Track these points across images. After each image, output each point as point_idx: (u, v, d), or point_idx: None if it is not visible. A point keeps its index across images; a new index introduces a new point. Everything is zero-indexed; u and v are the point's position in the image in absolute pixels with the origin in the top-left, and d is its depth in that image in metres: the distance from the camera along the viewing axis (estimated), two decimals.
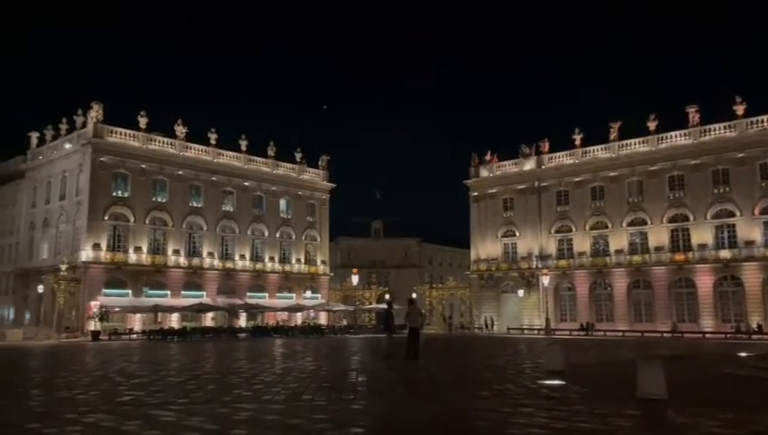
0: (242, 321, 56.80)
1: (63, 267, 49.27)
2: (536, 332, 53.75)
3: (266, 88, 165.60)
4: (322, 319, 62.57)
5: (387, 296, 57.83)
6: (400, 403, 10.61)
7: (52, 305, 51.38)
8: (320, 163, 70.76)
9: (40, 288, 53.20)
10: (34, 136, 61.52)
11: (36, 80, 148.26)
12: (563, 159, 61.07)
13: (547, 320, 53.05)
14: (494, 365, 18.92)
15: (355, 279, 63.87)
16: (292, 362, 19.72)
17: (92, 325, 46.95)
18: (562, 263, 59.08)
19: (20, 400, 10.89)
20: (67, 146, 56.12)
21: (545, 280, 54.25)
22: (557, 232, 60.36)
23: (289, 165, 67.71)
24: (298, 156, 68.55)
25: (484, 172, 66.38)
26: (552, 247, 60.30)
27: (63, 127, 57.62)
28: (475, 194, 66.34)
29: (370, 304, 64.43)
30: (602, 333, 50.77)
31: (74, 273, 50.36)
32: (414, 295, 50.34)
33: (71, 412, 8.99)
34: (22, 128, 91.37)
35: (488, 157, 66.47)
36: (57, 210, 56.40)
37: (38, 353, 28.90)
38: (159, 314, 52.40)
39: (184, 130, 58.37)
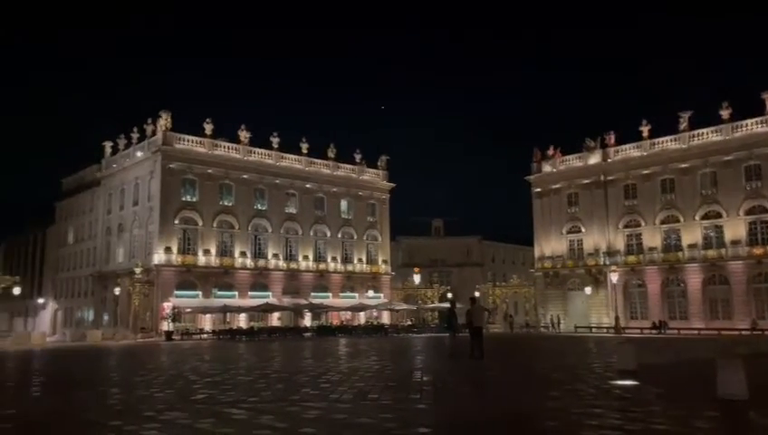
0: (307, 320, 57.77)
1: (138, 270, 51.52)
2: (605, 330, 52.13)
3: (325, 89, 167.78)
4: (385, 318, 62.86)
5: (449, 295, 57.48)
6: (467, 403, 10.50)
7: (127, 307, 53.81)
8: (379, 163, 71.08)
9: (116, 290, 55.78)
10: (108, 145, 64.55)
11: (110, 90, 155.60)
12: (630, 151, 59.02)
13: (616, 318, 51.37)
14: (563, 365, 18.47)
15: (417, 278, 63.84)
16: (356, 362, 19.88)
17: (166, 326, 48.80)
18: (631, 259, 57.12)
19: (101, 398, 11.44)
20: (138, 154, 58.59)
21: (614, 277, 52.58)
22: (625, 227, 58.39)
23: (349, 166, 68.30)
24: (357, 157, 69.07)
25: (546, 168, 64.96)
26: (620, 243, 58.40)
27: (135, 136, 60.24)
28: (538, 190, 65.03)
29: (433, 302, 64.21)
30: (676, 331, 48.72)
31: (148, 275, 52.52)
32: (477, 294, 49.87)
33: (148, 410, 9.36)
34: (94, 138, 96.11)
35: (551, 152, 64.99)
36: (131, 216, 58.97)
37: (116, 353, 30.28)
38: (228, 314, 53.92)
39: (247, 135, 59.89)
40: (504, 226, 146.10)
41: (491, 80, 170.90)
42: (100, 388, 13.39)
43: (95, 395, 11.85)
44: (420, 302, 65.30)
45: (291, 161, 63.43)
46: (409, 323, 61.61)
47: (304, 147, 63.83)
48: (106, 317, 59.51)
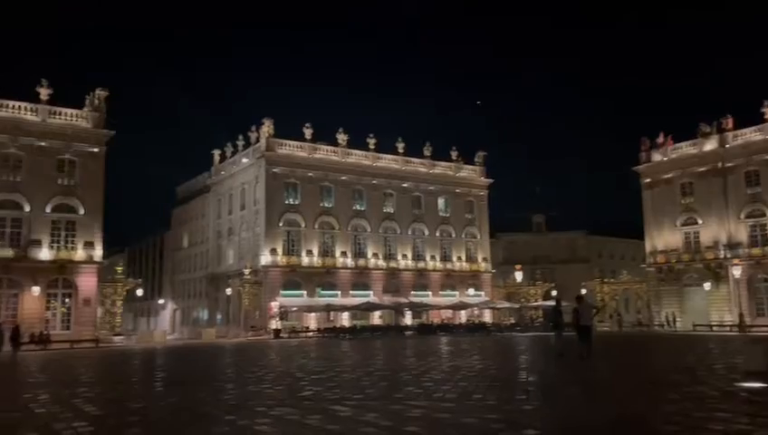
0: (407, 319, 58.08)
1: (246, 271, 54.01)
2: (728, 329, 48.37)
3: (418, 89, 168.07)
4: (487, 317, 61.95)
5: (554, 293, 55.73)
6: (576, 405, 10.07)
7: (238, 306, 56.55)
8: (476, 160, 70.21)
9: (228, 291, 58.75)
10: (216, 153, 68.15)
11: (219, 100, 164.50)
12: (752, 135, 54.53)
13: (740, 315, 47.56)
14: (681, 365, 17.32)
15: (518, 276, 62.43)
16: (459, 361, 19.69)
17: (274, 324, 50.80)
18: (756, 251, 52.72)
19: (217, 393, 12.04)
20: (244, 160, 61.40)
21: (736, 271, 48.75)
22: (747, 217, 54.02)
23: (445, 163, 67.96)
24: (454, 154, 68.60)
25: (656, 156, 61.37)
26: (742, 234, 54.09)
27: (240, 143, 63.20)
28: (647, 180, 61.56)
29: (536, 301, 62.52)
30: None
31: (256, 276, 54.90)
32: (583, 291, 47.96)
33: (259, 405, 9.73)
34: (204, 147, 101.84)
35: (660, 139, 61.26)
36: (238, 220, 61.93)
37: (229, 350, 31.86)
38: (331, 312, 55.27)
39: (345, 138, 61.12)
40: (611, 219, 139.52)
41: (593, 66, 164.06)
42: (216, 383, 14.11)
43: (211, 390, 12.49)
44: (523, 300, 63.78)
45: (387, 162, 64.02)
46: (512, 321, 60.35)
47: (400, 146, 64.24)
48: (219, 316, 62.86)
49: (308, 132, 59.05)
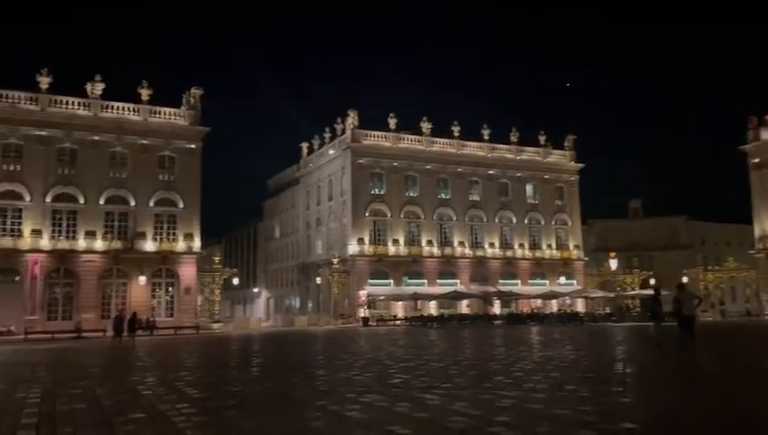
0: (496, 308, 57.31)
1: (335, 261, 55.15)
2: None
3: (503, 74, 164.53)
4: (580, 306, 60.03)
5: (652, 281, 53.14)
6: (678, 398, 9.52)
7: (328, 295, 57.90)
8: (565, 144, 67.96)
9: (317, 280, 60.29)
10: (304, 146, 69.88)
11: (306, 94, 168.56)
12: None
13: None
14: None
15: (613, 263, 60.06)
16: (550, 351, 19.18)
17: (362, 312, 51.62)
18: None
19: (309, 379, 12.36)
20: (330, 152, 62.59)
21: None
22: None
23: (533, 149, 66.25)
24: (542, 139, 66.70)
25: (765, 135, 56.91)
26: None
27: (327, 135, 64.45)
28: (756, 160, 57.26)
29: (633, 289, 59.84)
30: None
31: (344, 265, 55.97)
32: (684, 279, 45.44)
33: (349, 392, 9.88)
34: (293, 140, 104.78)
35: None
36: (326, 210, 63.29)
37: (320, 337, 32.69)
38: (418, 301, 55.45)
39: (429, 127, 60.88)
40: (715, 203, 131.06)
41: (692, 42, 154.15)
42: (308, 370, 14.50)
43: (303, 376, 12.84)
44: (619, 289, 61.25)
45: (472, 149, 63.24)
46: (607, 311, 58.11)
47: (486, 133, 63.24)
48: (310, 304, 64.66)
49: (392, 122, 59.35)
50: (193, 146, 51.51)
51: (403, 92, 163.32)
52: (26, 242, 45.49)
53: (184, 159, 51.06)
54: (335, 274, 55.60)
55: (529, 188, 65.70)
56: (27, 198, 46.04)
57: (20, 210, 45.94)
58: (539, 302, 60.20)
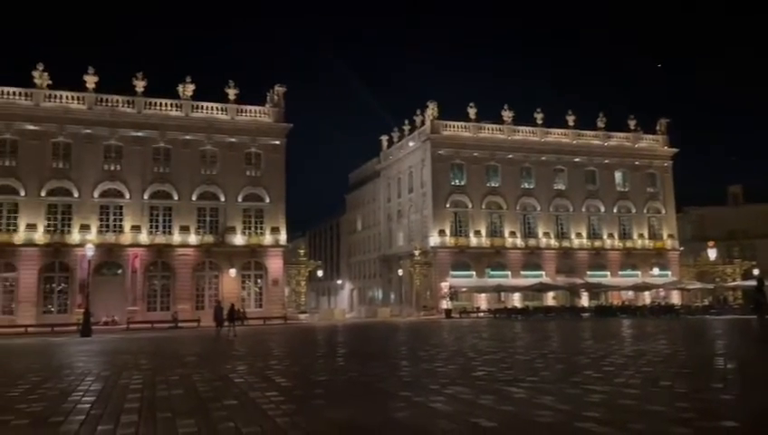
0: (584, 300, 55.62)
1: (416, 253, 55.27)
2: None
3: (588, 59, 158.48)
4: (675, 298, 57.22)
5: (755, 272, 49.78)
6: None
7: (410, 286, 58.16)
8: (657, 128, 64.74)
9: (399, 272, 60.68)
10: (384, 139, 70.36)
11: (386, 86, 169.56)
12: None
13: None
14: None
15: (711, 253, 56.76)
16: (643, 344, 18.37)
17: (444, 304, 51.51)
18: None
19: (392, 370, 12.45)
20: (410, 144, 62.69)
21: None
22: None
23: (622, 134, 63.60)
24: (632, 123, 63.90)
25: None
26: None
27: (406, 128, 64.59)
28: None
29: (734, 280, 56.27)
30: None
31: (426, 257, 56.02)
32: None
33: (433, 383, 9.87)
34: (373, 134, 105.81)
35: None
36: (407, 202, 63.51)
37: (403, 329, 32.90)
38: (502, 293, 54.68)
39: (510, 115, 59.72)
40: None
41: None
42: (391, 360, 14.62)
43: (387, 367, 12.96)
44: (718, 280, 57.76)
45: (557, 136, 61.50)
46: (705, 303, 54.98)
47: (570, 119, 61.28)
48: (392, 296, 65.22)
49: (472, 112, 58.65)
50: (277, 142, 53.10)
51: (483, 82, 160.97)
52: (127, 237, 48.55)
53: (269, 156, 52.75)
54: (417, 266, 55.72)
55: (618, 176, 63.09)
56: (127, 196, 49.08)
57: (121, 208, 49.06)
58: (630, 294, 57.82)
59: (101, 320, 44.38)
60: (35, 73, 47.84)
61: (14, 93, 47.57)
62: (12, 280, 46.27)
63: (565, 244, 59.78)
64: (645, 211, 63.04)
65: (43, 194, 47.22)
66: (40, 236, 46.65)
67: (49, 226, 47.21)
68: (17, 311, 45.30)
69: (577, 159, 61.30)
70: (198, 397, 9.07)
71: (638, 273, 60.29)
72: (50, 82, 48.35)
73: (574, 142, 61.54)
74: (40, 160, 47.30)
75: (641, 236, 62.36)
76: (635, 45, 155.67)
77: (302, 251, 59.02)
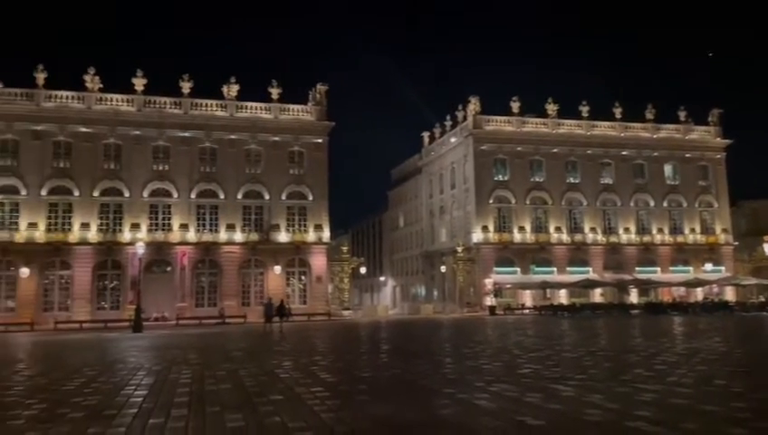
0: (633, 297, 54.32)
1: (459, 249, 54.94)
2: None
3: (636, 46, 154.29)
4: (729, 295, 55.26)
5: None
6: None
7: (453, 283, 57.86)
8: (709, 119, 62.65)
9: (442, 268, 60.44)
10: (426, 135, 70.12)
11: (426, 83, 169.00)
12: None
13: None
14: None
15: (767, 248, 54.50)
16: (696, 342, 17.81)
17: (488, 301, 51.06)
18: None
19: (436, 366, 12.41)
20: (452, 140, 62.31)
21: None
22: None
23: (671, 126, 61.75)
24: (682, 114, 61.94)
25: None
26: None
27: (448, 124, 64.22)
28: None
29: None
30: None
31: (469, 253, 55.62)
32: None
33: (478, 380, 9.79)
34: (414, 130, 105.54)
35: None
36: (449, 198, 63.16)
37: (446, 326, 32.77)
38: (548, 289, 53.86)
39: (555, 108, 58.74)
40: None
41: None
42: (435, 357, 14.57)
43: (431, 364, 12.92)
44: None
45: (603, 129, 60.15)
46: (761, 300, 52.93)
47: (617, 111, 59.83)
48: (435, 293, 65.02)
49: (515, 106, 57.88)
50: (320, 140, 53.56)
51: (526, 76, 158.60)
52: (175, 236, 49.78)
53: (312, 154, 53.26)
54: (460, 262, 55.39)
55: (668, 169, 61.29)
56: (175, 195, 50.31)
57: (169, 206, 50.34)
58: (681, 290, 56.15)
59: (152, 316, 45.66)
60: (87, 77, 49.46)
61: (67, 97, 49.32)
62: (67, 277, 48.05)
63: (613, 239, 58.43)
64: (696, 205, 61.08)
65: (95, 194, 48.84)
66: (93, 234, 48.27)
67: (101, 225, 48.80)
68: (72, 307, 47.02)
69: (625, 153, 59.81)
70: (245, 391, 9.23)
71: (690, 269, 58.49)
72: (101, 85, 49.93)
73: (622, 135, 60.03)
74: (92, 162, 48.92)
75: (693, 230, 60.44)
76: (684, 34, 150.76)
77: (345, 248, 59.39)
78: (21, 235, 46.84)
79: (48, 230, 47.56)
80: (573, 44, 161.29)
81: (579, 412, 7.13)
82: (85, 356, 17.75)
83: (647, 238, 59.07)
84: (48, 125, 48.24)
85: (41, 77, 48.43)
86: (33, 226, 47.18)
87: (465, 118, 59.92)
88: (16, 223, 47.18)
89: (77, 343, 24.48)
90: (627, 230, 58.96)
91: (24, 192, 47.45)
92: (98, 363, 14.95)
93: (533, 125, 58.85)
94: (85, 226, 48.18)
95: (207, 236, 50.51)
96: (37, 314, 44.90)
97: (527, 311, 51.14)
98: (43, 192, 47.83)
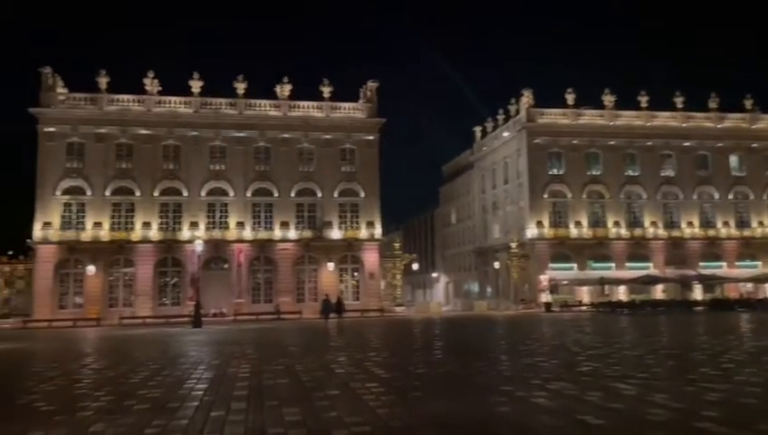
0: (696, 293, 52.33)
1: (513, 245, 54.16)
2: None
3: (696, 32, 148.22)
4: None
5: None
6: None
7: (507, 279, 57.10)
8: None
9: (496, 264, 59.72)
10: (478, 130, 69.39)
11: (478, 79, 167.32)
12: None
13: None
14: None
15: None
16: (766, 340, 17.00)
17: (544, 298, 50.15)
18: None
19: (492, 364, 12.26)
20: (505, 134, 61.42)
21: None
22: None
23: (737, 115, 59.11)
24: (748, 103, 59.20)
25: None
26: None
27: (500, 118, 63.35)
28: None
29: None
30: None
31: (523, 249, 54.76)
32: None
33: (535, 378, 9.61)
34: (466, 125, 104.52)
35: None
36: (502, 194, 62.33)
37: (501, 323, 32.38)
38: (606, 286, 52.52)
39: (612, 99, 57.19)
40: None
41: None
42: (490, 355, 14.41)
43: (486, 361, 12.77)
44: None
45: (664, 119, 58.12)
46: None
47: (679, 101, 57.69)
48: (489, 289, 64.33)
49: (570, 98, 56.54)
50: (371, 137, 53.77)
51: (581, 68, 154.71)
52: (232, 233, 51.00)
53: (363, 151, 53.53)
54: (514, 258, 54.61)
55: (733, 160, 58.69)
56: (231, 194, 51.53)
57: (226, 205, 51.60)
58: (749, 286, 53.72)
59: (210, 312, 46.93)
60: (146, 81, 51.17)
61: (128, 100, 51.18)
62: (130, 275, 49.92)
63: (675, 233, 56.41)
64: (764, 197, 58.25)
65: (156, 194, 50.52)
66: (154, 233, 49.97)
67: (162, 223, 50.46)
68: (135, 303, 48.84)
69: (687, 144, 57.59)
70: (302, 386, 9.35)
71: (758, 263, 55.87)
72: (159, 88, 51.58)
73: (683, 125, 57.82)
74: (152, 162, 50.61)
75: (761, 223, 57.68)
76: (748, 21, 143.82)
77: (397, 244, 59.48)
78: (87, 234, 48.94)
79: (112, 229, 49.52)
80: (631, 34, 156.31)
81: (642, 412, 6.90)
82: (148, 350, 18.39)
83: (711, 232, 56.77)
84: (111, 128, 50.19)
85: (103, 81, 50.40)
86: (98, 225, 49.20)
87: (518, 111, 58.97)
88: (83, 223, 49.30)
89: (141, 338, 25.40)
90: (690, 224, 56.81)
91: (89, 193, 49.53)
92: (161, 357, 15.47)
93: (590, 117, 57.36)
94: (147, 225, 49.91)
95: (262, 234, 51.51)
96: (103, 310, 46.85)
97: (584, 308, 49.98)
98: (107, 193, 49.80)
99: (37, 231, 48.26)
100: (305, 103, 53.65)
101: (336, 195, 52.81)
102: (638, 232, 55.90)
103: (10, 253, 49.38)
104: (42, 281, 47.93)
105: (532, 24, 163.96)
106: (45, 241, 48.15)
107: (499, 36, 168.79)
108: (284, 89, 53.01)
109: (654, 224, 56.35)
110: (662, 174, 57.36)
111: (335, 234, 52.28)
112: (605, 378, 9.56)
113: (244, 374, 11.07)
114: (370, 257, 52.63)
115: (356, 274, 53.04)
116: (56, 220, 48.74)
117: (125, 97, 51.22)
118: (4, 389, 10.63)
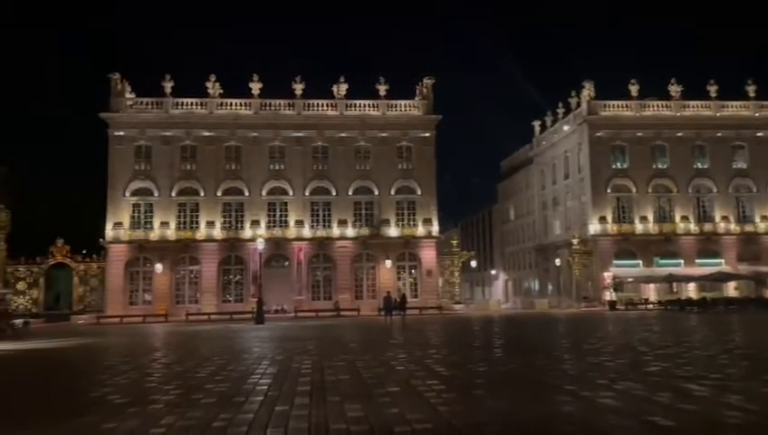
0: None
1: (575, 241, 52.90)
2: None
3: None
4: None
5: None
6: None
7: (569, 277, 55.82)
8: None
9: (557, 261, 58.46)
10: (536, 124, 68.07)
11: (534, 69, 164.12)
12: None
13: None
14: None
15: None
16: None
17: (608, 295, 48.78)
18: None
19: (555, 362, 12.01)
20: (565, 128, 60.02)
21: None
22: None
23: None
24: None
25: None
26: None
27: (560, 111, 61.91)
28: None
29: None
30: None
31: (585, 246, 53.39)
32: None
33: (601, 378, 9.35)
34: (524, 120, 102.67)
35: None
36: (563, 189, 60.92)
37: (563, 321, 31.69)
38: (674, 283, 50.64)
39: (678, 89, 55.00)
40: None
41: None
42: (553, 353, 14.12)
43: (549, 359, 12.52)
44: None
45: (735, 109, 55.57)
46: None
47: (751, 89, 54.94)
48: (550, 287, 63.05)
49: (634, 89, 54.68)
50: (427, 134, 53.60)
51: (646, 55, 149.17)
52: (292, 232, 51.93)
53: (419, 148, 53.42)
54: (575, 255, 53.32)
55: None
56: (291, 193, 52.47)
57: (286, 204, 52.58)
58: None
59: (272, 308, 47.95)
60: (209, 84, 52.70)
61: (191, 104, 52.87)
62: (196, 272, 51.61)
63: (748, 228, 53.73)
64: None
65: (218, 194, 52.01)
66: (218, 232, 51.47)
67: (225, 222, 51.92)
68: (201, 300, 50.46)
69: (760, 134, 54.74)
70: (363, 382, 9.42)
71: None
72: (221, 90, 53.04)
73: (756, 115, 54.97)
74: (215, 163, 52.11)
75: None
76: None
77: (454, 242, 59.08)
78: (155, 233, 50.88)
79: (178, 228, 51.30)
80: (691, 22, 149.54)
81: (715, 413, 6.62)
82: (214, 346, 18.95)
83: None
84: (176, 131, 51.97)
85: (168, 86, 52.23)
86: (164, 224, 51.07)
87: (578, 104, 57.50)
88: (151, 222, 51.28)
89: (206, 334, 26.21)
90: (764, 218, 54.01)
91: (156, 194, 51.46)
92: (226, 353, 15.92)
93: (654, 108, 55.33)
94: (210, 224, 51.45)
95: (321, 232, 52.21)
96: (171, 307, 48.62)
97: (651, 306, 48.31)
98: (173, 193, 51.61)
99: (109, 231, 50.53)
100: (361, 102, 54.00)
101: (393, 192, 52.94)
102: (708, 227, 53.56)
103: (84, 252, 51.95)
104: (113, 279, 50.16)
105: (593, 12, 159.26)
106: (116, 241, 50.36)
107: (560, 28, 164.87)
108: (341, 88, 53.51)
109: (725, 218, 53.86)
110: (733, 166, 54.76)
111: (392, 231, 52.42)
112: (675, 378, 9.21)
113: (306, 370, 11.25)
114: (428, 255, 52.50)
115: (413, 271, 53.03)
116: (126, 220, 50.89)
117: (188, 100, 52.93)
118: (79, 382, 11.19)
